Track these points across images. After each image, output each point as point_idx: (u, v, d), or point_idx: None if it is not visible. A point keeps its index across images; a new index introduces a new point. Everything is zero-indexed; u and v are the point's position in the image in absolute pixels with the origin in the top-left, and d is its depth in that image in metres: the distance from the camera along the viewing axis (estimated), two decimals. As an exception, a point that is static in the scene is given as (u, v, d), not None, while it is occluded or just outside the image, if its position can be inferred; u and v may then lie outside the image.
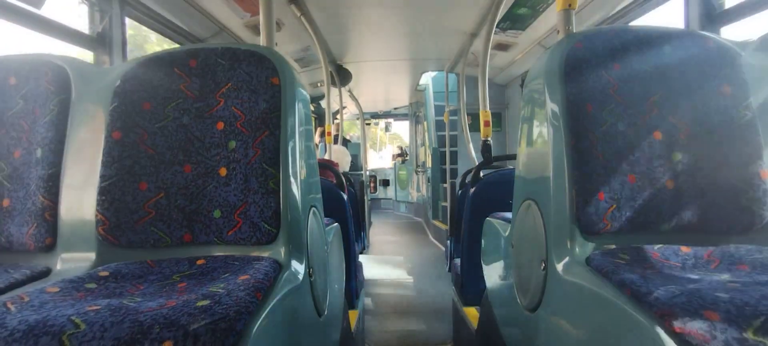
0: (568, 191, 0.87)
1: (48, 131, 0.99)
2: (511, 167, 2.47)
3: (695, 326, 0.51)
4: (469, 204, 2.05)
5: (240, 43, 1.62)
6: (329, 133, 3.42)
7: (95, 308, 0.58)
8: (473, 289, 2.00)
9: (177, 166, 0.95)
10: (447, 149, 4.58)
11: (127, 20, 1.79)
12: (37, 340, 0.52)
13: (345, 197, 2.00)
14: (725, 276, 0.67)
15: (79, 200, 0.96)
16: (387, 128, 9.87)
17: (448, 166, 4.62)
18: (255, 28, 2.68)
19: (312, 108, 5.61)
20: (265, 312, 0.66)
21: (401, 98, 6.79)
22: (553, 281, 0.88)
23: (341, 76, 4.18)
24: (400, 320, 2.72)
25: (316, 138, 5.11)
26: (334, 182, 2.12)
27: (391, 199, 9.12)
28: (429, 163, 5.98)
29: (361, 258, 2.88)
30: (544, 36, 3.24)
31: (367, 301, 3.02)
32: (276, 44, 1.30)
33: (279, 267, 0.83)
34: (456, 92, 3.95)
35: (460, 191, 2.58)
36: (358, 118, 7.19)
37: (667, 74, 0.93)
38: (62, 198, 0.97)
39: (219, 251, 0.92)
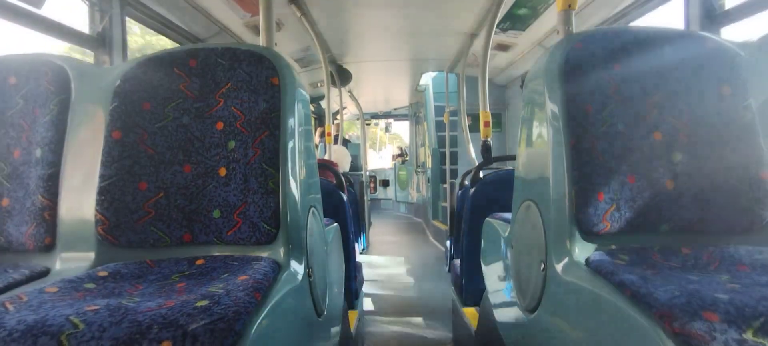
0: (568, 192, 0.87)
1: (48, 131, 0.99)
2: (511, 168, 2.47)
3: (695, 327, 0.51)
4: (469, 204, 2.04)
5: (240, 43, 1.62)
6: (329, 134, 3.42)
7: (94, 308, 0.58)
8: (473, 289, 2.00)
9: (177, 166, 0.95)
10: (447, 150, 4.58)
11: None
12: (35, 340, 0.52)
13: (345, 197, 2.00)
14: (725, 277, 0.67)
15: (79, 199, 0.96)
16: (387, 129, 9.87)
17: (448, 167, 4.62)
18: (255, 28, 2.68)
19: (312, 108, 5.62)
20: (264, 312, 0.66)
21: (401, 99, 6.79)
22: (552, 282, 0.87)
23: (341, 76, 4.18)
24: (399, 321, 2.72)
25: (316, 138, 5.11)
26: (334, 182, 2.12)
27: (391, 199, 9.11)
28: (429, 164, 5.98)
29: (361, 258, 2.88)
30: (544, 37, 3.24)
31: (367, 301, 3.02)
32: (276, 44, 1.30)
33: (278, 267, 0.83)
34: (456, 93, 3.94)
35: (459, 192, 2.58)
36: (358, 119, 7.19)
37: (667, 75, 0.93)
38: (62, 198, 0.97)
39: (218, 251, 0.92)
